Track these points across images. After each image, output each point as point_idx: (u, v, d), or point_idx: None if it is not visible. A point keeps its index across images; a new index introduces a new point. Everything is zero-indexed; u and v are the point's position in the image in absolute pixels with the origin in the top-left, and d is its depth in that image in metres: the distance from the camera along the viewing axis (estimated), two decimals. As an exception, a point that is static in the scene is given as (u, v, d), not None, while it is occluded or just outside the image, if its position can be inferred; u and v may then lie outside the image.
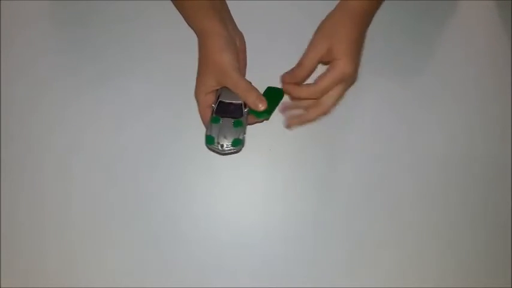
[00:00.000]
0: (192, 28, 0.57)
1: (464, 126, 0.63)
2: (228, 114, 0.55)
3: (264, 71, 0.58)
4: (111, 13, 0.62)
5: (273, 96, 0.57)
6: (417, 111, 0.63)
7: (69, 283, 0.58)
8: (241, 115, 0.55)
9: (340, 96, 0.54)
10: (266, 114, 0.55)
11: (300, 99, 0.56)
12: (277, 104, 0.58)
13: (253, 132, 0.59)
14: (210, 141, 0.54)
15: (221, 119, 0.55)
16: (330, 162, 0.61)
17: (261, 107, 0.53)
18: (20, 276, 0.58)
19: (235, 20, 0.58)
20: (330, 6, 0.60)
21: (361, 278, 0.60)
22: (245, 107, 0.55)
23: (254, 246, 0.60)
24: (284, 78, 0.56)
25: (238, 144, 0.54)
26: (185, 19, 0.58)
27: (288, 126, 0.59)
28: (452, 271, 0.61)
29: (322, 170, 0.61)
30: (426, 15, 0.64)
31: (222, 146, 0.54)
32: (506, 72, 0.64)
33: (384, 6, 0.62)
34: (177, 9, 0.59)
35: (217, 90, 0.56)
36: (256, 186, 0.61)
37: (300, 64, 0.55)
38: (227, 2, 0.58)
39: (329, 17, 0.55)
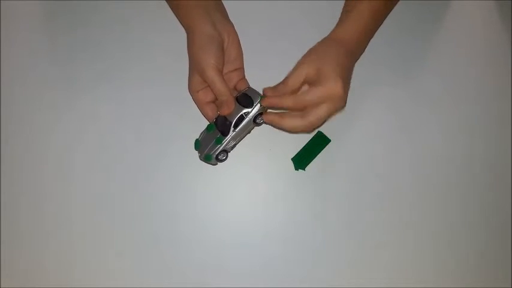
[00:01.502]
0: (181, 24, 0.57)
1: (464, 127, 0.63)
2: (220, 128, 0.56)
3: (263, 71, 0.58)
4: (111, 13, 0.62)
5: (317, 144, 0.60)
6: (417, 111, 0.63)
7: (69, 283, 0.58)
8: (226, 134, 0.55)
9: (325, 116, 0.51)
10: (301, 167, 0.59)
11: (281, 108, 0.53)
12: (314, 156, 0.60)
13: (254, 132, 0.59)
14: (195, 145, 0.58)
15: (215, 129, 0.56)
16: (330, 162, 0.61)
17: (224, 110, 0.54)
18: (20, 276, 0.58)
19: (236, 19, 0.58)
20: (330, 6, 0.60)
21: (361, 278, 0.60)
22: (234, 128, 0.55)
23: (254, 246, 0.60)
24: (266, 91, 0.54)
25: (208, 159, 0.56)
26: (176, 16, 0.59)
27: (264, 117, 0.55)
28: (452, 271, 0.61)
29: (322, 170, 0.61)
30: (426, 15, 0.64)
31: (200, 154, 0.58)
32: (506, 72, 0.64)
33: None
34: (170, 7, 0.59)
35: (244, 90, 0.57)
36: (257, 186, 0.61)
37: (284, 81, 0.53)
38: (228, 2, 0.58)
39: (319, 43, 0.55)
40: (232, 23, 0.57)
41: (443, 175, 0.62)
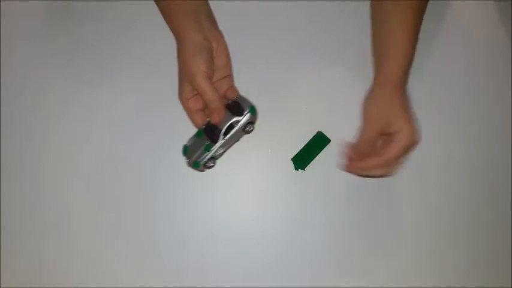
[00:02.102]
0: (172, 32, 0.58)
1: (464, 127, 0.63)
2: (209, 135, 0.56)
3: (254, 75, 0.58)
4: (111, 13, 0.62)
5: (317, 144, 0.59)
6: (417, 111, 0.62)
7: (69, 283, 0.58)
8: (215, 141, 0.56)
9: (405, 158, 0.54)
10: (301, 167, 0.59)
11: (368, 170, 0.55)
12: (314, 156, 0.59)
13: (254, 132, 0.59)
14: (183, 151, 0.57)
15: (203, 136, 0.56)
16: (330, 162, 0.61)
17: (214, 118, 0.55)
18: (20, 276, 0.58)
19: (232, 20, 0.58)
20: (330, 6, 0.60)
21: (361, 278, 0.60)
22: (224, 136, 0.55)
23: (254, 247, 0.60)
24: (349, 155, 0.56)
25: (196, 166, 0.56)
26: (166, 22, 0.59)
27: (344, 168, 0.57)
28: (452, 271, 0.61)
29: (322, 170, 0.61)
30: (426, 15, 0.64)
31: (188, 160, 0.57)
32: (506, 72, 0.64)
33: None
34: (162, 15, 0.59)
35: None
36: (256, 186, 0.61)
37: (360, 140, 0.55)
38: (228, 2, 0.58)
39: (373, 91, 0.55)
40: (221, 32, 0.57)
41: (443, 175, 0.62)
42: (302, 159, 0.59)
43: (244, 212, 0.61)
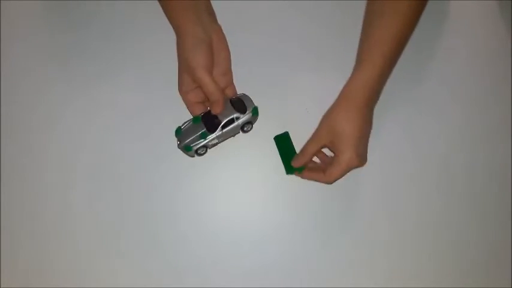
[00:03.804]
0: (171, 25, 0.58)
1: (465, 127, 0.63)
2: (207, 123, 0.57)
3: (257, 72, 0.59)
4: (112, 13, 0.63)
5: (285, 144, 0.59)
6: (417, 111, 0.63)
7: (69, 283, 0.58)
8: (212, 131, 0.56)
9: (340, 175, 0.56)
10: (290, 172, 0.59)
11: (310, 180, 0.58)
12: (295, 153, 0.59)
13: (254, 133, 0.60)
14: (176, 132, 0.58)
15: (201, 122, 0.57)
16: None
17: (215, 109, 0.55)
18: (20, 276, 0.58)
19: (231, 20, 0.58)
20: (330, 6, 0.60)
21: (361, 278, 0.60)
22: (222, 128, 0.56)
23: (254, 247, 0.60)
24: (296, 164, 0.58)
25: (188, 150, 0.57)
26: (166, 16, 0.59)
27: (297, 174, 0.59)
28: (452, 271, 0.61)
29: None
30: (426, 15, 0.64)
31: (179, 142, 0.57)
32: (506, 72, 0.64)
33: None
34: (162, 9, 0.59)
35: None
36: (256, 186, 0.61)
37: (302, 152, 0.57)
38: (227, 2, 0.58)
39: (334, 107, 0.55)
40: (220, 25, 0.57)
41: (443, 175, 0.62)
42: (289, 165, 0.59)
43: (244, 212, 0.61)
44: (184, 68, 0.55)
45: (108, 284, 0.58)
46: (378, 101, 0.61)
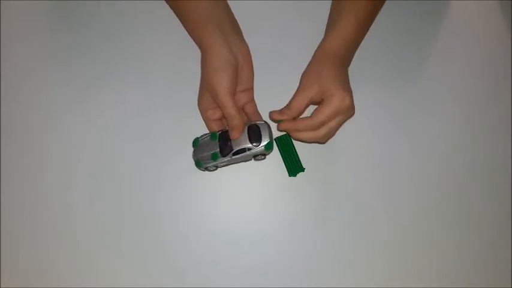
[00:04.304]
0: (194, 40, 0.57)
1: (465, 127, 0.63)
2: (221, 143, 0.56)
3: (258, 72, 0.58)
4: (112, 12, 0.62)
5: (286, 146, 0.59)
6: (417, 112, 0.63)
7: (69, 283, 0.58)
8: (224, 155, 0.56)
9: (336, 127, 0.54)
10: (297, 171, 0.59)
11: (296, 132, 0.55)
12: (297, 155, 0.59)
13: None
14: (193, 143, 0.58)
15: (216, 140, 0.57)
16: (329, 162, 0.61)
17: (234, 134, 0.55)
18: (20, 276, 0.58)
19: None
20: (329, 6, 0.60)
21: (361, 278, 0.60)
22: (233, 155, 0.56)
23: (254, 247, 0.60)
24: (273, 115, 0.55)
25: (198, 165, 0.58)
26: (185, 28, 0.58)
27: (278, 126, 0.57)
28: (452, 271, 0.61)
29: (322, 171, 0.61)
30: (426, 14, 0.64)
31: (193, 154, 0.58)
32: (506, 72, 0.64)
33: (383, 5, 0.62)
34: (180, 20, 0.58)
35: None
36: (256, 186, 0.61)
37: (288, 106, 0.54)
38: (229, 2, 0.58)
39: (311, 63, 0.56)
40: (246, 44, 0.57)
41: (443, 175, 0.62)
42: (293, 166, 0.59)
43: (244, 212, 0.61)
44: (207, 87, 0.54)
45: (108, 284, 0.58)
46: (378, 101, 0.61)
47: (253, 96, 0.59)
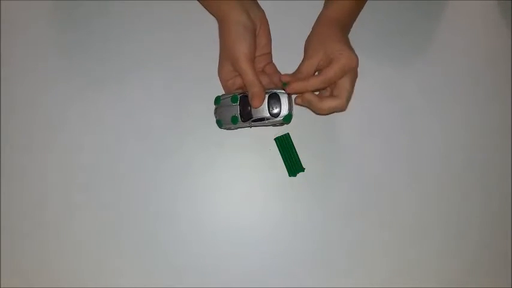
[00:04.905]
0: (210, 12, 0.57)
1: (465, 127, 0.63)
2: (242, 107, 0.56)
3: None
4: (112, 14, 0.62)
5: (287, 146, 0.59)
6: (417, 112, 0.62)
7: (69, 283, 0.58)
8: (244, 120, 0.56)
9: (352, 88, 0.54)
10: (297, 171, 0.59)
11: (306, 91, 0.55)
12: (297, 156, 0.59)
13: (253, 132, 0.59)
14: (216, 100, 0.58)
15: (237, 103, 0.56)
16: (329, 161, 0.61)
17: (254, 103, 0.54)
18: (20, 276, 0.58)
19: None
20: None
21: (361, 278, 0.60)
22: (252, 122, 0.56)
23: (254, 247, 0.60)
24: (284, 78, 0.55)
25: (219, 124, 0.58)
26: (203, 4, 0.58)
27: (297, 99, 0.57)
28: (452, 271, 0.61)
29: (321, 169, 0.61)
30: (426, 14, 0.64)
31: (215, 112, 0.58)
32: (506, 72, 0.64)
33: (383, 5, 0.62)
34: None
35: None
36: (256, 186, 0.61)
37: (299, 70, 0.55)
38: None
39: (314, 29, 0.57)
40: (262, 10, 0.57)
41: (443, 174, 0.62)
42: (293, 166, 0.59)
43: (244, 212, 0.61)
44: (227, 55, 0.55)
45: (108, 284, 0.58)
46: (378, 101, 0.61)
47: (272, 59, 0.59)
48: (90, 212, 0.59)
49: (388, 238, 0.60)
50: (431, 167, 0.62)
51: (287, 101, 0.55)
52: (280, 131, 0.60)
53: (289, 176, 0.59)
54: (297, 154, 0.59)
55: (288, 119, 0.55)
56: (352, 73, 0.54)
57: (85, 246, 0.59)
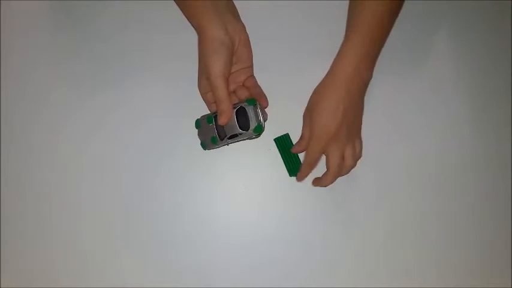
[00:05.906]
0: (191, 25, 0.57)
1: (465, 126, 0.63)
2: (217, 127, 0.56)
3: (257, 72, 0.58)
4: (113, 14, 0.62)
5: (286, 146, 0.59)
6: (417, 112, 0.63)
7: (69, 283, 0.59)
8: (221, 138, 0.56)
9: (337, 160, 0.56)
10: (293, 174, 0.59)
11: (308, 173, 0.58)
12: (295, 154, 0.59)
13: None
14: (196, 123, 0.59)
15: (213, 124, 0.57)
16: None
17: (221, 120, 0.54)
18: (20, 276, 0.59)
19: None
20: (330, 6, 0.60)
21: (361, 278, 0.60)
22: (229, 139, 0.56)
23: (254, 246, 0.60)
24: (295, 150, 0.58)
25: (203, 147, 0.59)
26: (184, 15, 0.58)
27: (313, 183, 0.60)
28: (452, 271, 0.61)
29: (322, 171, 0.61)
30: (426, 14, 0.64)
31: (198, 135, 0.59)
32: (506, 72, 0.64)
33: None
34: (179, 7, 0.59)
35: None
36: (256, 186, 0.61)
37: (301, 136, 0.58)
38: None
39: (319, 88, 0.56)
40: (243, 24, 0.56)
41: (443, 175, 0.62)
42: (293, 166, 0.59)
43: (244, 212, 0.61)
44: (203, 70, 0.55)
45: (109, 284, 0.58)
46: (378, 102, 0.61)
47: (253, 73, 0.58)
48: (90, 212, 0.59)
49: (388, 238, 0.60)
50: (431, 166, 0.62)
51: (253, 114, 0.55)
52: (280, 131, 0.60)
53: (289, 176, 0.60)
54: (297, 154, 0.59)
55: (258, 130, 0.55)
56: (334, 143, 0.55)
57: (85, 246, 0.59)
